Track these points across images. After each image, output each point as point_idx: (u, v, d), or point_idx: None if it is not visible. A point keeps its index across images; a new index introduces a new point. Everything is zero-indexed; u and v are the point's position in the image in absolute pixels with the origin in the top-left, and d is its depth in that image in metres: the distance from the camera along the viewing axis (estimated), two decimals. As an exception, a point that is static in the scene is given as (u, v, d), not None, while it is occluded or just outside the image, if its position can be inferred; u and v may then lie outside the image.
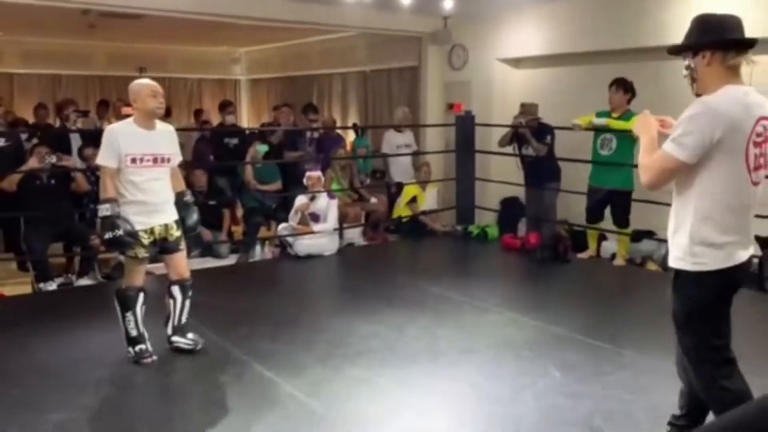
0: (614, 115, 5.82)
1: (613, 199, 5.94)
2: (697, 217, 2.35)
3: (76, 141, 6.92)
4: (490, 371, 3.56)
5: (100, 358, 3.79)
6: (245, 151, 7.14)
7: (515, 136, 6.54)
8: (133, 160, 3.54)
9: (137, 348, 3.69)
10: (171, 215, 3.76)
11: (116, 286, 3.86)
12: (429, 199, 7.57)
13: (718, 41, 2.32)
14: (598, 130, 5.92)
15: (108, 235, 3.45)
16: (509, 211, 7.46)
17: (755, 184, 2.37)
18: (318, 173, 6.58)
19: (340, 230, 6.89)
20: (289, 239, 6.44)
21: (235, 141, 7.47)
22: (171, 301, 3.84)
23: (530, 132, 6.36)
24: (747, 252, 2.42)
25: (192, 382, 3.45)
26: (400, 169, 7.81)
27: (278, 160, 7.28)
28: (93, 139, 6.91)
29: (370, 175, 8.17)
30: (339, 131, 8.64)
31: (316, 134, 7.80)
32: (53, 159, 5.62)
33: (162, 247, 3.76)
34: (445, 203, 7.76)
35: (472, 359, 3.75)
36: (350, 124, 9.83)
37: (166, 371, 3.65)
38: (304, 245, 6.37)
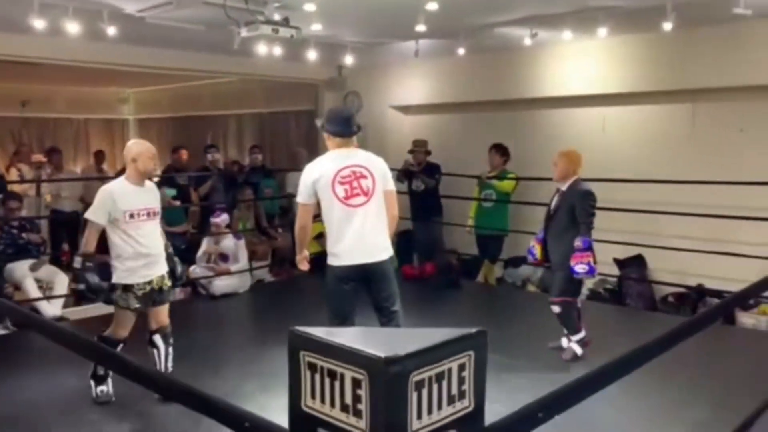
0: (492, 173, 6.97)
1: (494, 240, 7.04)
2: None
3: None
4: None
5: (50, 404, 3.95)
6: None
7: (405, 173, 7.30)
8: (132, 216, 3.69)
9: (99, 389, 3.85)
10: (164, 267, 3.92)
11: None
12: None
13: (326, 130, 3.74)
14: (485, 187, 7.10)
15: (79, 287, 3.63)
16: (405, 243, 8.12)
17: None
18: (220, 219, 6.87)
19: (250, 269, 7.19)
20: (203, 281, 6.70)
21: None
22: (155, 351, 3.91)
23: (420, 169, 7.24)
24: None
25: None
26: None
27: (185, 204, 7.53)
28: None
29: (277, 213, 8.53)
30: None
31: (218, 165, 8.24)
32: None
33: (155, 298, 3.86)
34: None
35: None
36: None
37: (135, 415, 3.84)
38: (219, 286, 6.66)
